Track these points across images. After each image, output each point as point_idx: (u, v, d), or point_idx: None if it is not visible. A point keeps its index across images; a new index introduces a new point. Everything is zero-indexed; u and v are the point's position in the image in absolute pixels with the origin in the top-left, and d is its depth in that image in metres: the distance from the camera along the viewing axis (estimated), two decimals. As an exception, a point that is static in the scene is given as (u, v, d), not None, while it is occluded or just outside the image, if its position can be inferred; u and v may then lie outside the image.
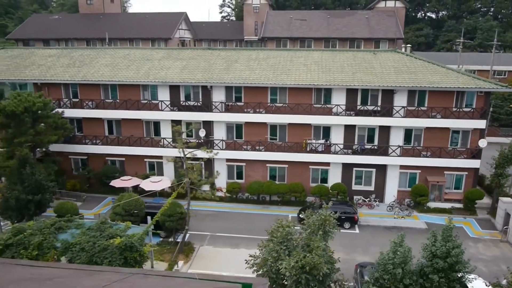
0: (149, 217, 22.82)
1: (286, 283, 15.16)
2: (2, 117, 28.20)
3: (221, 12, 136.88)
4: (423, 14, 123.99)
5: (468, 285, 15.86)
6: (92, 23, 65.04)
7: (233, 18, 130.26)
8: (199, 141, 32.30)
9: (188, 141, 26.18)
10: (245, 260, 16.47)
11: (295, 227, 16.62)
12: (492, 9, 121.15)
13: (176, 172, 34.02)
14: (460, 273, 14.63)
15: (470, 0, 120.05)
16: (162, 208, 22.44)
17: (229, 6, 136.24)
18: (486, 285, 16.02)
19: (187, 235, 25.73)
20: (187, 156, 24.47)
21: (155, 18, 65.72)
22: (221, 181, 33.79)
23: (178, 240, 25.74)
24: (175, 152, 32.85)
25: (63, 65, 36.19)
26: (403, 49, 40.45)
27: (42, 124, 30.11)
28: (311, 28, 59.04)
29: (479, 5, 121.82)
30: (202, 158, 26.11)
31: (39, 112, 29.09)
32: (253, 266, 15.85)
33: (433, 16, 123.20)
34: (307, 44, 58.07)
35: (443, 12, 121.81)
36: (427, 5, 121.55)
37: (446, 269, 14.41)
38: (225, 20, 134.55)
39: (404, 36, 63.38)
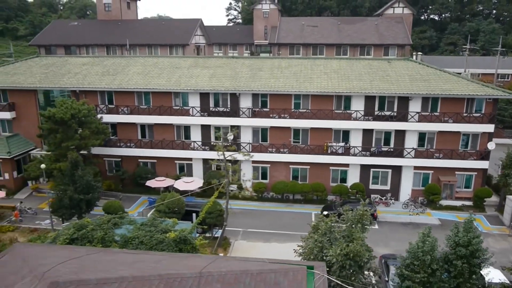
0: (194, 214, 25.34)
1: (328, 269, 17.68)
2: (51, 123, 30.80)
3: (227, 15, 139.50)
4: (426, 16, 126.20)
5: (482, 271, 18.36)
6: (111, 29, 67.56)
7: (240, 21, 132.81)
8: (227, 144, 34.84)
9: (225, 144, 28.62)
10: (294, 249, 19.05)
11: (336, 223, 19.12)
12: (494, 11, 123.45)
13: (205, 173, 36.61)
14: (480, 259, 17.20)
15: (472, 3, 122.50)
16: (206, 206, 24.99)
17: (235, 9, 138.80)
18: (502, 269, 18.56)
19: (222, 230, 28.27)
20: (221, 158, 27.02)
21: (172, 24, 68.20)
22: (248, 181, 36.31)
23: (216, 235, 28.29)
24: (204, 154, 35.81)
25: (97, 73, 38.74)
26: (414, 57, 42.96)
27: (80, 130, 32.54)
28: (323, 35, 61.60)
29: (481, 7, 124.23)
30: (240, 161, 28.63)
31: (83, 118, 31.66)
32: (301, 255, 18.40)
33: (436, 18, 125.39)
34: (319, 50, 60.68)
35: (446, 15, 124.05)
36: (430, 7, 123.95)
37: (468, 255, 16.98)
38: (231, 24, 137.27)
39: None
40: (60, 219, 30.08)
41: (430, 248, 17.01)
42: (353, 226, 17.75)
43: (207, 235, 29.23)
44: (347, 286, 14.20)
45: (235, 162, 30.14)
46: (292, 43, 61.14)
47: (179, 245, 21.85)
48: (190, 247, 22.16)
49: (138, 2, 76.85)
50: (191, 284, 10.45)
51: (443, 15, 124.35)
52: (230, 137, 35.04)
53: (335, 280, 14.08)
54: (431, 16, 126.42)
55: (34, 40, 68.77)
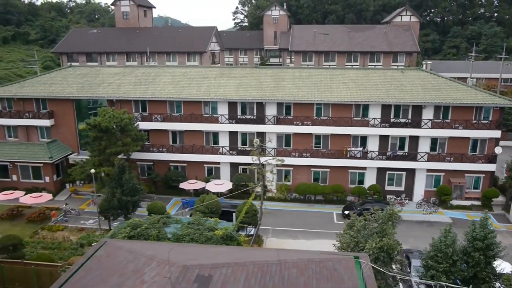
0: (234, 214, 28.21)
1: (362, 261, 20.51)
2: (96, 131, 33.67)
3: (234, 19, 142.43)
4: (429, 20, 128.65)
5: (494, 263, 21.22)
6: (129, 37, 70.41)
7: (246, 24, 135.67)
8: (253, 149, 37.72)
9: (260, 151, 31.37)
10: (333, 244, 21.94)
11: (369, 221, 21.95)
12: (495, 14, 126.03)
13: (232, 176, 39.48)
14: (494, 252, 20.09)
15: (474, 6, 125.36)
16: (245, 207, 27.86)
17: (241, 13, 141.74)
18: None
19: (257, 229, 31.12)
20: (256, 162, 29.87)
21: (188, 32, 71.05)
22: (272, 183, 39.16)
23: (250, 233, 31.12)
24: (232, 159, 38.81)
25: (130, 82, 41.60)
26: (424, 65, 45.83)
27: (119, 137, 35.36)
28: (334, 42, 64.49)
29: (483, 10, 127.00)
30: (271, 164, 31.48)
31: (125, 126, 34.52)
32: (339, 249, 21.25)
33: (438, 20, 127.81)
34: (331, 57, 63.55)
35: (448, 18, 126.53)
36: (433, 11, 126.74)
37: (484, 248, 19.84)
38: (238, 27, 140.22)
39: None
40: (103, 218, 32.95)
41: (451, 242, 19.90)
42: (384, 223, 20.59)
43: (240, 233, 32.09)
44: (388, 273, 17.04)
45: (263, 165, 32.86)
46: (305, 50, 64.05)
47: (226, 241, 24.68)
48: (236, 243, 25.02)
49: (153, 9, 79.64)
50: (275, 269, 13.34)
51: (446, 18, 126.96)
52: (256, 142, 37.93)
53: (378, 268, 16.92)
54: (434, 19, 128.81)
55: (56, 48, 71.60)
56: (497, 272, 21.23)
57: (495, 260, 20.47)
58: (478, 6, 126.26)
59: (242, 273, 12.36)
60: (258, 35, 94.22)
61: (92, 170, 31.52)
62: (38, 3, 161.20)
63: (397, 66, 62.06)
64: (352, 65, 63.99)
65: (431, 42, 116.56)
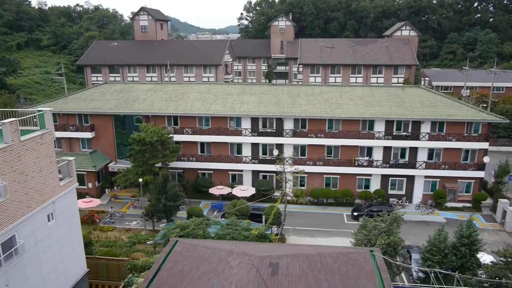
0: (263, 216, 33.64)
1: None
2: (140, 145, 39.05)
3: (239, 25, 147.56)
4: (426, 25, 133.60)
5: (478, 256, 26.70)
6: (148, 49, 75.64)
7: (250, 30, 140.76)
8: (272, 158, 43.24)
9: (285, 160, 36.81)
10: (350, 241, 27.42)
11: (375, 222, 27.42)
12: (491, 19, 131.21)
13: (253, 182, 44.93)
14: (477, 246, 25.60)
15: (470, 13, 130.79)
16: (274, 210, 33.30)
17: (246, 19, 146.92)
18: (492, 252, 27.05)
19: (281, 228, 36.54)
20: (281, 171, 35.26)
21: (204, 45, 76.37)
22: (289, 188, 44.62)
23: (275, 233, 36.56)
24: (253, 167, 44.22)
25: (162, 99, 46.96)
26: (422, 82, 51.27)
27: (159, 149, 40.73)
28: (340, 55, 69.91)
29: (479, 15, 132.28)
30: (293, 172, 36.96)
31: (164, 140, 39.92)
32: (354, 245, 26.71)
33: (436, 26, 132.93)
34: (337, 70, 69.01)
35: (445, 24, 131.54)
36: (432, 17, 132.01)
37: (469, 244, 25.30)
38: (242, 32, 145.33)
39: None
40: (147, 220, 38.33)
41: (443, 239, 25.42)
42: (391, 224, 26.08)
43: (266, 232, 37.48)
44: (395, 263, 22.49)
45: (281, 173, 38.26)
46: (313, 63, 69.45)
47: (260, 240, 30.11)
48: (268, 241, 30.47)
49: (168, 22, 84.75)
50: (316, 258, 18.78)
51: (443, 25, 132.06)
52: (275, 152, 43.39)
53: (387, 259, 22.37)
54: (432, 25, 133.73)
55: (81, 60, 76.73)
56: (480, 262, 26.76)
57: (478, 253, 25.98)
58: (474, 13, 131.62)
59: (297, 261, 17.80)
60: (265, 43, 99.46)
61: (140, 180, 36.91)
62: (46, 8, 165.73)
63: (398, 78, 67.50)
64: (356, 77, 69.46)
65: (429, 48, 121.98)
